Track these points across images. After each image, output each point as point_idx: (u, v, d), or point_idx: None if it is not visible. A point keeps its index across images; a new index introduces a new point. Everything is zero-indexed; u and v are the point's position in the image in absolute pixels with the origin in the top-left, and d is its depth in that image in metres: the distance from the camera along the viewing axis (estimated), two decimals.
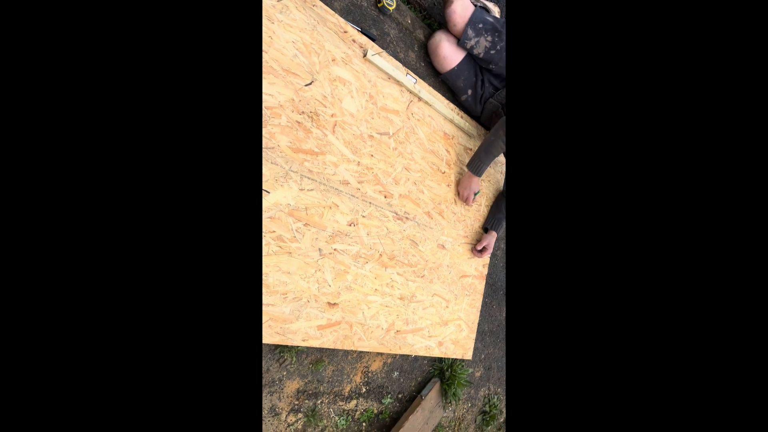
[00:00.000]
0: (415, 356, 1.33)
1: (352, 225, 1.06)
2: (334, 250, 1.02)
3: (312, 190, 0.96)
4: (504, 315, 1.70)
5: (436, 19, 1.39)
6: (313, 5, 0.95)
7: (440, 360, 1.40)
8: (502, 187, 1.58)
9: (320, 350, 1.06)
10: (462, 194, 1.33)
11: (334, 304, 1.02)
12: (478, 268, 1.49)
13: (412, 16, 1.26)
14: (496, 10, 1.31)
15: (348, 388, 1.12)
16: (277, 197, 0.90)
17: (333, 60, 1.00)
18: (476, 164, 1.26)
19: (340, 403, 1.10)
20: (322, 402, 1.05)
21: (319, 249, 0.98)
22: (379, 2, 1.13)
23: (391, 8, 1.14)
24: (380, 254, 1.13)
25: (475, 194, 1.35)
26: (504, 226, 1.50)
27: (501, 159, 1.58)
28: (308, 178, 0.95)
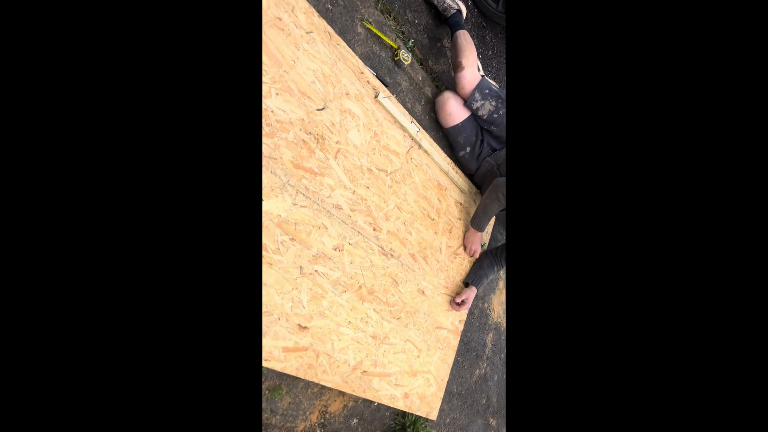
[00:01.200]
0: (378, 405, 1.25)
1: (338, 250, 1.05)
2: (315, 271, 1.00)
3: (305, 207, 0.98)
4: (474, 379, 1.63)
5: (444, 84, 1.52)
6: (337, 44, 1.05)
7: (403, 415, 1.32)
8: (485, 246, 1.61)
9: (281, 376, 1.00)
10: (470, 249, 1.47)
11: (305, 327, 0.98)
12: (454, 322, 1.47)
13: (424, 75, 1.38)
14: (495, 84, 1.46)
15: (302, 427, 1.03)
16: (270, 206, 0.91)
17: (346, 94, 1.07)
18: (478, 222, 1.38)
19: None
20: None
21: (300, 267, 0.97)
22: (396, 56, 1.25)
23: (406, 63, 1.26)
24: (360, 286, 1.11)
25: (482, 246, 1.50)
26: (485, 283, 1.51)
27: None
28: (303, 194, 0.97)
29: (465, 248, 1.48)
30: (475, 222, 1.39)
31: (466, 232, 1.48)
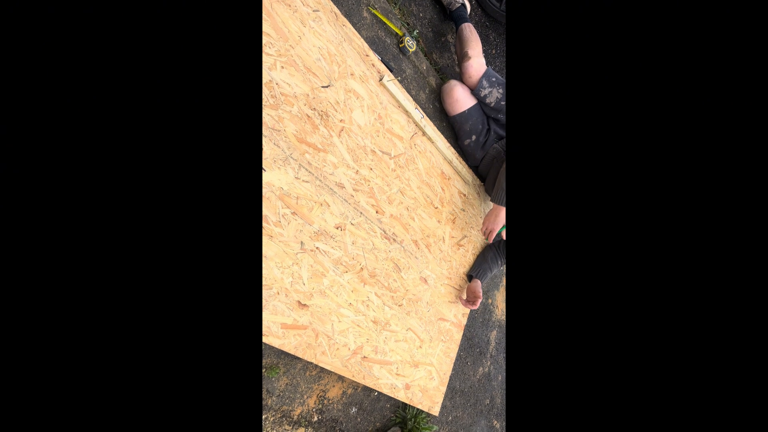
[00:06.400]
0: (378, 396, 1.21)
1: (340, 229, 1.04)
2: (317, 248, 0.98)
3: (307, 182, 0.97)
4: (478, 377, 1.59)
5: (448, 76, 1.53)
6: (343, 25, 1.06)
7: (404, 408, 1.27)
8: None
9: (278, 354, 0.97)
10: (486, 227, 1.34)
11: (305, 305, 0.96)
12: (457, 315, 1.44)
13: (428, 64, 1.39)
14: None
15: (299, 411, 0.99)
16: (272, 178, 0.90)
17: (351, 74, 1.07)
18: (500, 196, 1.26)
19: (287, 427, 0.97)
20: (266, 419, 0.93)
21: (302, 242, 0.95)
22: (401, 43, 1.26)
23: (411, 50, 1.27)
24: (362, 268, 1.09)
25: (501, 229, 1.41)
26: (489, 277, 1.48)
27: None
28: (306, 169, 0.96)
29: (484, 227, 1.36)
30: (498, 196, 1.25)
31: (488, 211, 1.34)
